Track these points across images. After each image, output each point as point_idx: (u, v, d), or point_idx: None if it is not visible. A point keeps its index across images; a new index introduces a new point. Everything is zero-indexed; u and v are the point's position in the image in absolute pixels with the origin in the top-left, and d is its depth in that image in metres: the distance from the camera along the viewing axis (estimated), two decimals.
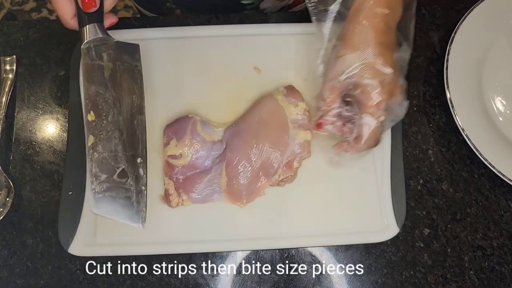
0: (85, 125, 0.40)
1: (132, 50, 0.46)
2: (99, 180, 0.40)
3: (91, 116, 0.40)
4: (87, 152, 0.40)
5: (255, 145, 0.48)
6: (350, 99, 0.45)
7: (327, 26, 0.47)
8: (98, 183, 0.40)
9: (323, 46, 0.47)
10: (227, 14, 0.58)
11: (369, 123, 0.44)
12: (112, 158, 0.41)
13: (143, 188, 0.41)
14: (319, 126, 0.47)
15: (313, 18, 0.47)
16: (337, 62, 0.44)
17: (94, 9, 0.40)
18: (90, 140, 0.40)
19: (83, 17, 0.41)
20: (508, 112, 0.54)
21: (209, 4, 0.63)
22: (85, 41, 0.42)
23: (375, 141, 0.45)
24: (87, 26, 0.41)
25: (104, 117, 0.41)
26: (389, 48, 0.44)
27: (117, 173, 0.41)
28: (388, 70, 0.43)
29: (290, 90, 0.51)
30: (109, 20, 0.45)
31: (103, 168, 0.40)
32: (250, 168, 0.48)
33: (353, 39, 0.43)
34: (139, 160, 0.42)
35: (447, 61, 0.53)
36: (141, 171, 0.42)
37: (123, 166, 0.41)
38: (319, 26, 0.47)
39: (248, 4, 0.63)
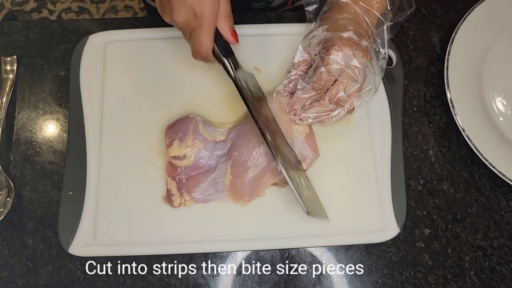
0: (268, 146, 0.45)
1: (253, 77, 0.52)
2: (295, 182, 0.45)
3: (268, 137, 0.45)
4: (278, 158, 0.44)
5: (260, 145, 0.48)
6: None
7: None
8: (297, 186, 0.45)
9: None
10: (234, 8, 0.58)
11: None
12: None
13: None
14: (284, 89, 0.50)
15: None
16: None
17: (237, 44, 0.46)
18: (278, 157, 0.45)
19: (226, 50, 0.46)
20: (508, 112, 0.54)
21: None
22: (236, 71, 0.47)
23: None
24: (229, 58, 0.46)
25: (273, 137, 0.47)
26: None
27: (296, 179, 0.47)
28: (350, 27, 0.46)
29: None
30: None
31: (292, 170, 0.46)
32: (255, 167, 0.48)
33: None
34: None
35: (447, 61, 0.53)
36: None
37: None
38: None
39: None
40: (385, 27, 0.49)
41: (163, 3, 0.43)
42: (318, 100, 0.47)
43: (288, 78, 0.49)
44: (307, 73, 0.48)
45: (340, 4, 0.48)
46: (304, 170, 0.50)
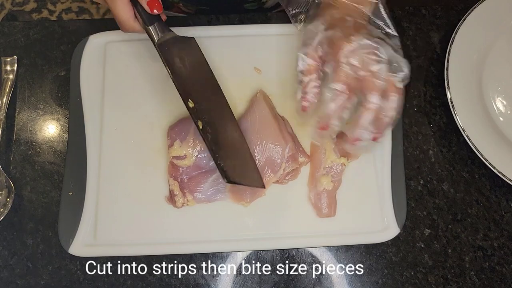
0: (189, 112, 0.44)
1: (191, 42, 0.49)
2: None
3: (191, 103, 0.44)
4: (201, 134, 0.43)
5: (258, 143, 0.48)
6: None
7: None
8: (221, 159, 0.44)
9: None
10: (227, 9, 0.58)
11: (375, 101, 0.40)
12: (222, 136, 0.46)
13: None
14: (304, 100, 0.44)
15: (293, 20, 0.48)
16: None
17: (160, 12, 0.43)
18: (200, 124, 0.44)
19: (149, 17, 0.44)
20: (508, 112, 0.54)
21: None
22: (158, 38, 0.45)
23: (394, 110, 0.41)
24: (155, 24, 0.44)
25: (201, 103, 0.45)
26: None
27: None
28: (349, 18, 0.42)
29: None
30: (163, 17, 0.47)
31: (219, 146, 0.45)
32: None
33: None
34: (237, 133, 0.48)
35: (447, 61, 0.53)
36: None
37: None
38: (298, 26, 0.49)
39: None
40: (380, 6, 0.44)
41: None
42: (365, 105, 0.40)
43: (302, 89, 0.43)
44: (319, 80, 0.43)
45: (330, 3, 0.45)
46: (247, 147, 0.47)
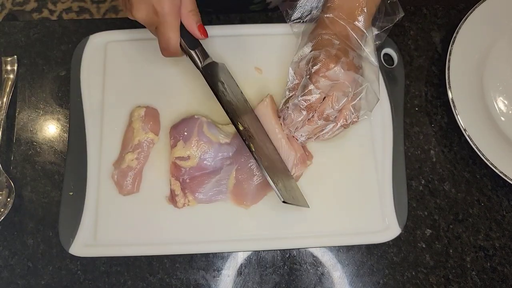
0: (240, 135, 0.45)
1: (224, 67, 0.51)
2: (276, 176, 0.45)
3: (241, 126, 0.45)
4: (255, 157, 0.44)
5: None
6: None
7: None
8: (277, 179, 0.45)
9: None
10: (232, 12, 0.58)
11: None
12: (270, 157, 0.47)
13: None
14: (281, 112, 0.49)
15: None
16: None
17: (207, 37, 0.45)
18: (252, 147, 0.44)
19: (193, 42, 0.46)
20: (510, 112, 0.54)
21: None
22: (204, 61, 0.47)
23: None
24: (197, 49, 0.46)
25: (248, 126, 0.46)
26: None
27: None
28: (336, 42, 0.47)
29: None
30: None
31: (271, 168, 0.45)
32: (260, 175, 0.48)
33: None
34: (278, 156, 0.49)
35: (448, 61, 0.53)
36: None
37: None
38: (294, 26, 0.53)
39: None
40: (369, 37, 0.49)
41: (124, 1, 0.43)
42: (309, 119, 0.47)
43: (282, 104, 0.49)
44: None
45: (325, 21, 0.48)
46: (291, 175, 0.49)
